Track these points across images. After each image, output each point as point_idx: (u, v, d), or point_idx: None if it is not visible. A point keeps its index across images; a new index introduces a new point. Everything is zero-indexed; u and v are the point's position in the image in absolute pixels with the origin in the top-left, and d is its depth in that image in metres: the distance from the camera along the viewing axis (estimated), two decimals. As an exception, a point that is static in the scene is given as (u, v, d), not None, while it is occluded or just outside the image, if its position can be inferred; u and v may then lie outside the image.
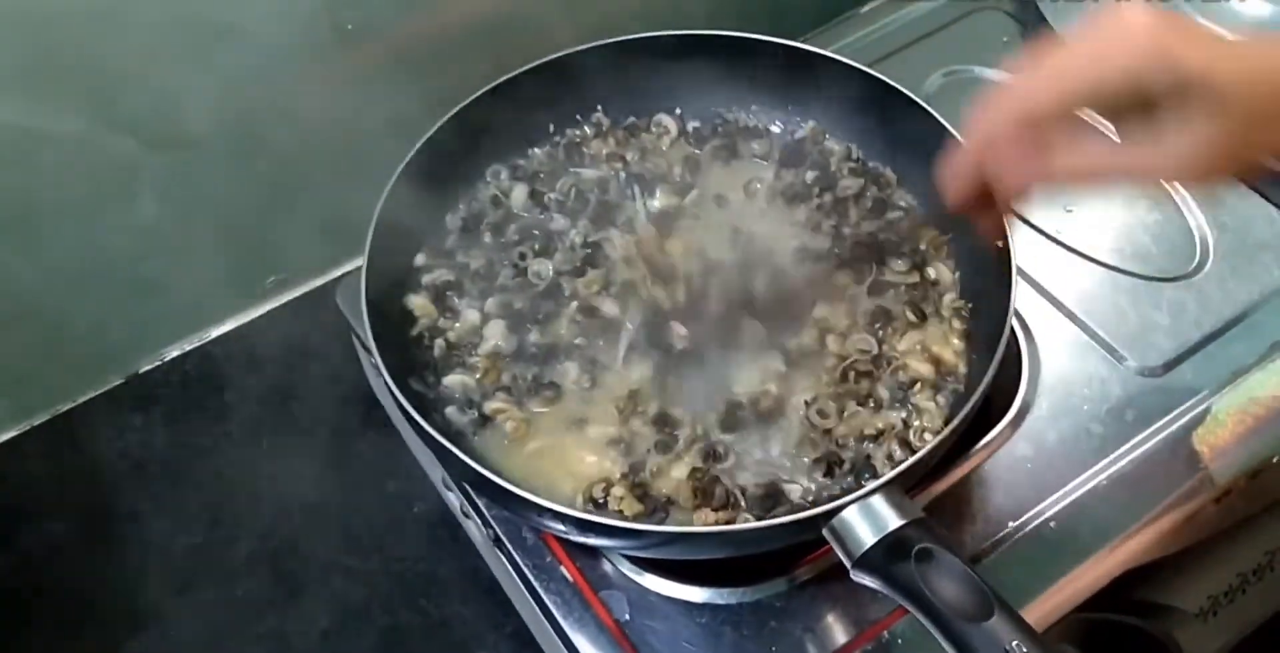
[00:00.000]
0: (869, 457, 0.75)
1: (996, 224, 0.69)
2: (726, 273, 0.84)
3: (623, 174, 0.91)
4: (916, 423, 0.76)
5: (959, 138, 0.79)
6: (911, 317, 0.81)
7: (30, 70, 0.82)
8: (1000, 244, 0.73)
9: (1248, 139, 0.53)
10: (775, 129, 0.95)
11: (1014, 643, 0.57)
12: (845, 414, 0.77)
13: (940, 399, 0.78)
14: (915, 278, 0.84)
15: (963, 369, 0.80)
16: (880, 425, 0.76)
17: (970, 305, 0.82)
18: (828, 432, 0.76)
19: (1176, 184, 0.80)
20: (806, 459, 0.75)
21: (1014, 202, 0.62)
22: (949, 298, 0.83)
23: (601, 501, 0.73)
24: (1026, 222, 0.95)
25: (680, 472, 0.75)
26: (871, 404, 0.77)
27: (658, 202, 0.90)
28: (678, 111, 0.95)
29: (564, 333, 0.82)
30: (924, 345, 0.80)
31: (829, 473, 0.74)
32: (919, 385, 0.78)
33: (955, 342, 0.81)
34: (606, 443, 0.77)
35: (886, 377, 0.79)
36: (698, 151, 0.93)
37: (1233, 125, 0.52)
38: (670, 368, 0.80)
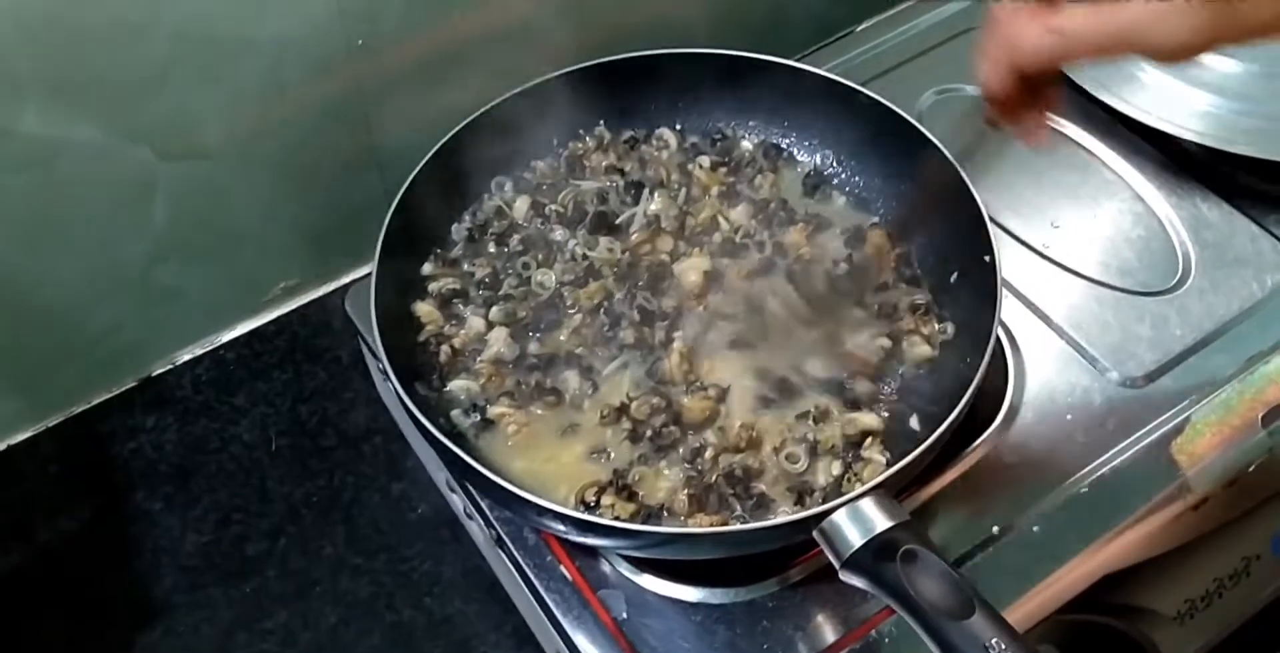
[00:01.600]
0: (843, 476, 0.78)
1: (1034, 120, 0.68)
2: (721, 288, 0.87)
3: (620, 185, 0.93)
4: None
5: (942, 148, 0.83)
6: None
7: (50, 82, 0.83)
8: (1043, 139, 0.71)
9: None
10: (768, 143, 0.98)
11: (993, 640, 0.59)
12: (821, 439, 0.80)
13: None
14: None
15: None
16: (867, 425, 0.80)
17: (951, 324, 0.85)
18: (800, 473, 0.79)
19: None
20: (782, 488, 0.78)
21: (1046, 84, 0.63)
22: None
23: (593, 504, 0.76)
24: (1014, 236, 0.98)
25: (664, 482, 0.78)
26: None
27: (654, 205, 0.92)
28: (678, 126, 0.98)
29: (564, 342, 0.85)
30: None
31: (799, 502, 0.77)
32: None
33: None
34: (592, 451, 0.80)
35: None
36: (692, 166, 0.96)
37: None
38: (659, 385, 0.83)
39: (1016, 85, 0.62)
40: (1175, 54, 0.56)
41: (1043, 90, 0.65)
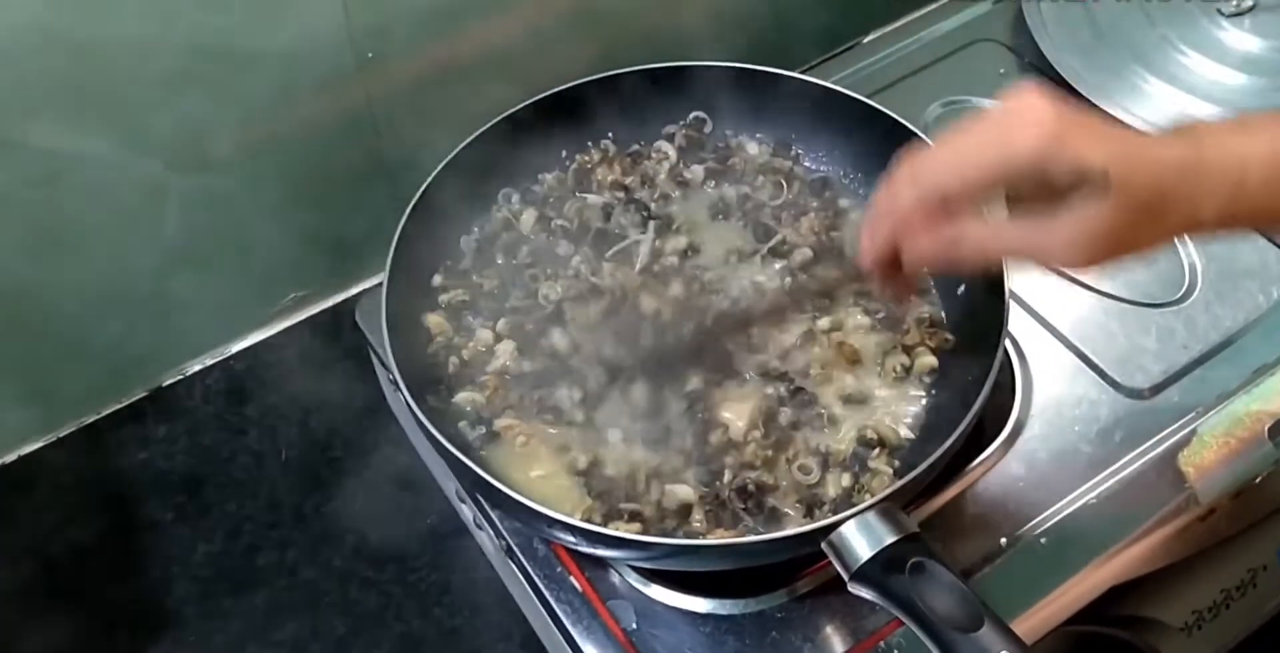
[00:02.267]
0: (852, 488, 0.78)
1: (902, 289, 0.73)
2: (719, 310, 0.87)
3: (621, 200, 0.94)
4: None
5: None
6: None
7: (62, 95, 0.84)
8: (908, 302, 0.77)
9: (1132, 228, 0.56)
10: (773, 156, 0.98)
11: (1002, 653, 0.60)
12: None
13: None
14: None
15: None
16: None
17: (957, 336, 0.85)
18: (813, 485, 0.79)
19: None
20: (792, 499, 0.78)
21: (918, 270, 0.66)
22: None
23: (599, 521, 0.76)
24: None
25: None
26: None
27: (660, 241, 0.92)
28: (683, 138, 0.98)
29: (565, 357, 0.84)
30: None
31: (808, 514, 0.77)
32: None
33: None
34: (578, 472, 0.79)
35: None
36: (687, 175, 0.96)
37: (1119, 215, 0.55)
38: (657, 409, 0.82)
39: (892, 263, 0.64)
40: (1072, 268, 0.58)
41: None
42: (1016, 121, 0.55)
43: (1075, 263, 0.58)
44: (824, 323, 0.86)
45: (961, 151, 0.57)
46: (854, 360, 0.84)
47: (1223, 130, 0.58)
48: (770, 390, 0.83)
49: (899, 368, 0.83)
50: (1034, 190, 0.57)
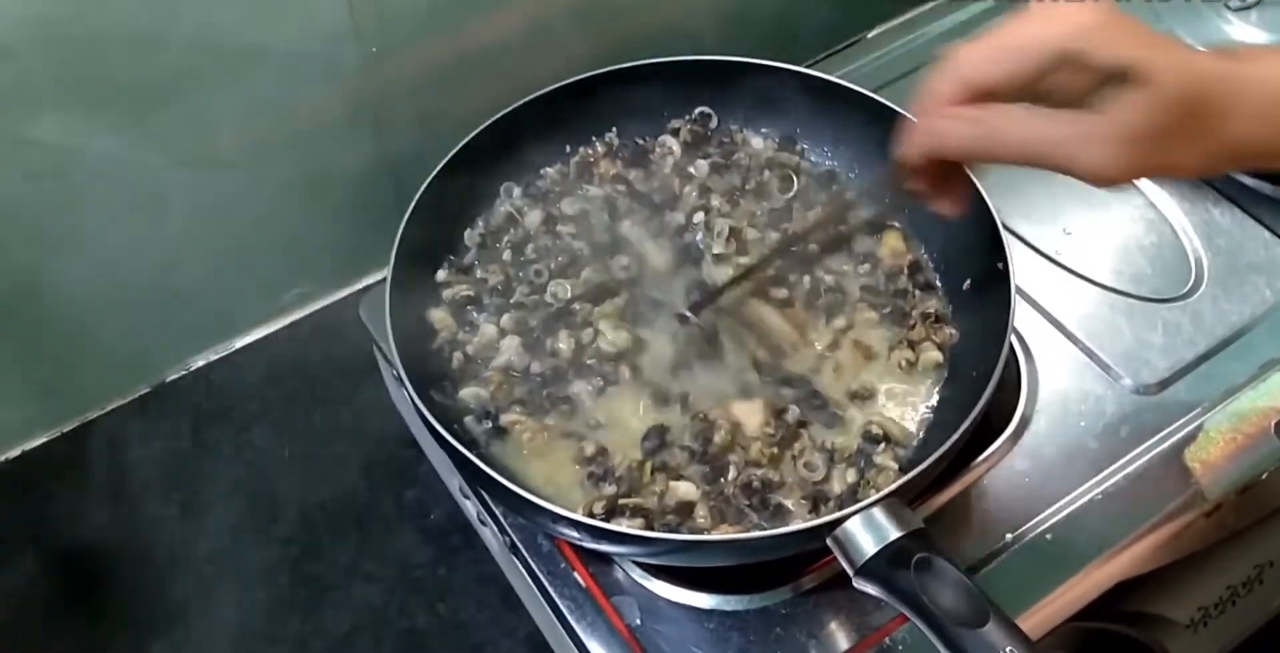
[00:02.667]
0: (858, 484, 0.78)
1: (949, 194, 0.69)
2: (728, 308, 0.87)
3: (624, 194, 0.94)
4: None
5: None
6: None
7: (67, 91, 0.84)
8: (962, 216, 0.71)
9: (1168, 132, 0.55)
10: (779, 150, 0.98)
11: (1008, 649, 0.59)
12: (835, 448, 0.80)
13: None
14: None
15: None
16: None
17: (962, 332, 0.85)
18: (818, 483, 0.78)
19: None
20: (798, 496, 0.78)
21: (961, 158, 0.63)
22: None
23: (603, 516, 0.75)
24: (1026, 243, 0.98)
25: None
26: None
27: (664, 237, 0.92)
28: (687, 132, 0.97)
29: (574, 353, 0.84)
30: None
31: (814, 509, 0.76)
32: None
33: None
34: (582, 468, 0.79)
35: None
36: (693, 171, 0.96)
37: (1157, 111, 0.54)
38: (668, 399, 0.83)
39: (935, 166, 0.63)
40: (1099, 181, 0.57)
41: (960, 170, 0.66)
42: (1058, 13, 0.55)
43: (1108, 168, 0.56)
44: (840, 322, 0.86)
45: (1002, 42, 0.57)
46: (869, 357, 0.84)
47: (1264, 53, 0.58)
48: (782, 390, 0.82)
49: (904, 363, 0.83)
50: (1075, 85, 0.55)
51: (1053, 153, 0.57)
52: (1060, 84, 0.56)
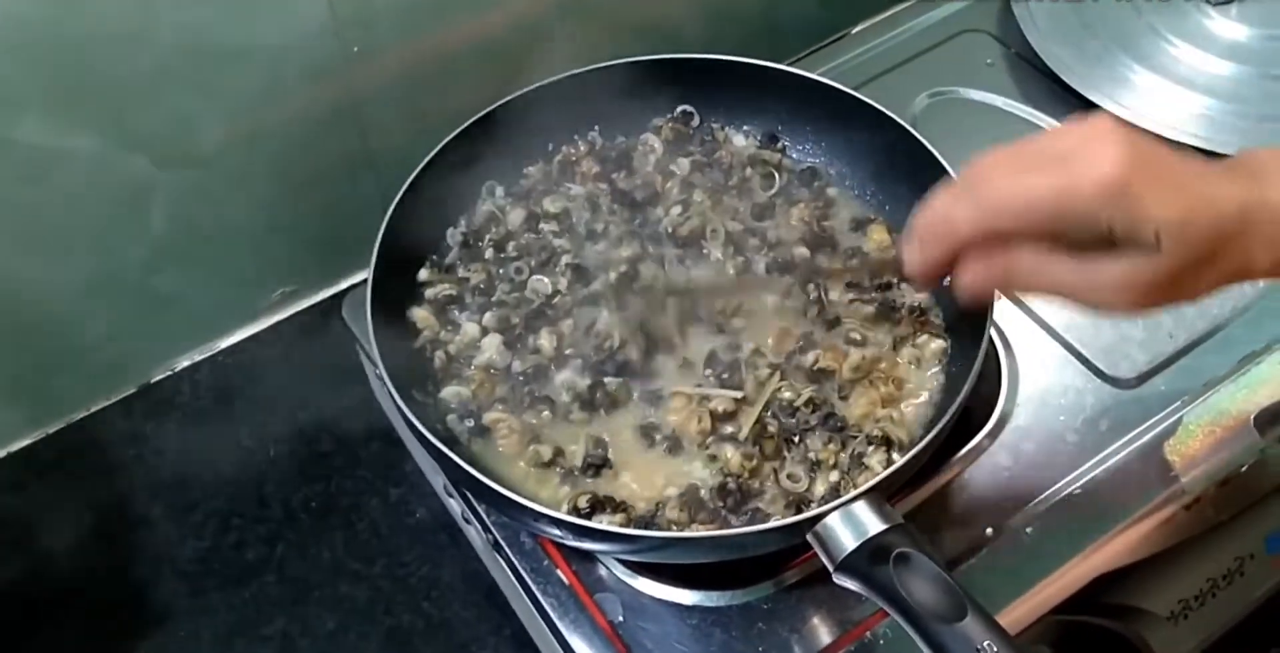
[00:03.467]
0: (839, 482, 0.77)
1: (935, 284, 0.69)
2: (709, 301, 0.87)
3: (608, 192, 0.94)
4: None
5: (935, 152, 0.83)
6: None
7: (49, 92, 0.84)
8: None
9: (1184, 277, 0.56)
10: (760, 148, 0.98)
11: (985, 643, 0.59)
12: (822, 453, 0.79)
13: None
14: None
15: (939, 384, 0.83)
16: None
17: (944, 325, 0.85)
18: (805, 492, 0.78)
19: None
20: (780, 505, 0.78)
21: (967, 294, 0.63)
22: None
23: (586, 511, 0.76)
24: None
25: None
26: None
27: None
28: (669, 131, 0.97)
29: (555, 350, 0.84)
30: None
31: (798, 510, 0.76)
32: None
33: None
34: (564, 466, 0.80)
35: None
36: (675, 169, 0.96)
37: (1173, 265, 0.54)
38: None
39: (936, 272, 0.63)
40: (1115, 315, 0.57)
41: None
42: (1084, 165, 0.54)
43: (1123, 309, 0.58)
44: (870, 353, 0.84)
45: (1024, 190, 0.55)
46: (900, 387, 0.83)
47: None
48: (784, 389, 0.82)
49: (915, 361, 0.84)
50: (1093, 231, 0.55)
51: (1069, 296, 0.59)
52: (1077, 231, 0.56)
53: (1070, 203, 0.54)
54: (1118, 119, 0.55)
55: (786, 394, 0.81)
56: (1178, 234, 0.53)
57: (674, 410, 0.81)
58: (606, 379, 0.82)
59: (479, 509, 0.85)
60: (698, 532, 0.74)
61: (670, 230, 0.91)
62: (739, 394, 0.81)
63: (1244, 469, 0.86)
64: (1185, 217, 0.53)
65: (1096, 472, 0.84)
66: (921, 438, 0.71)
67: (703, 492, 0.77)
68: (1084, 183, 0.53)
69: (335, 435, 1.06)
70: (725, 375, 0.82)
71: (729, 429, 0.80)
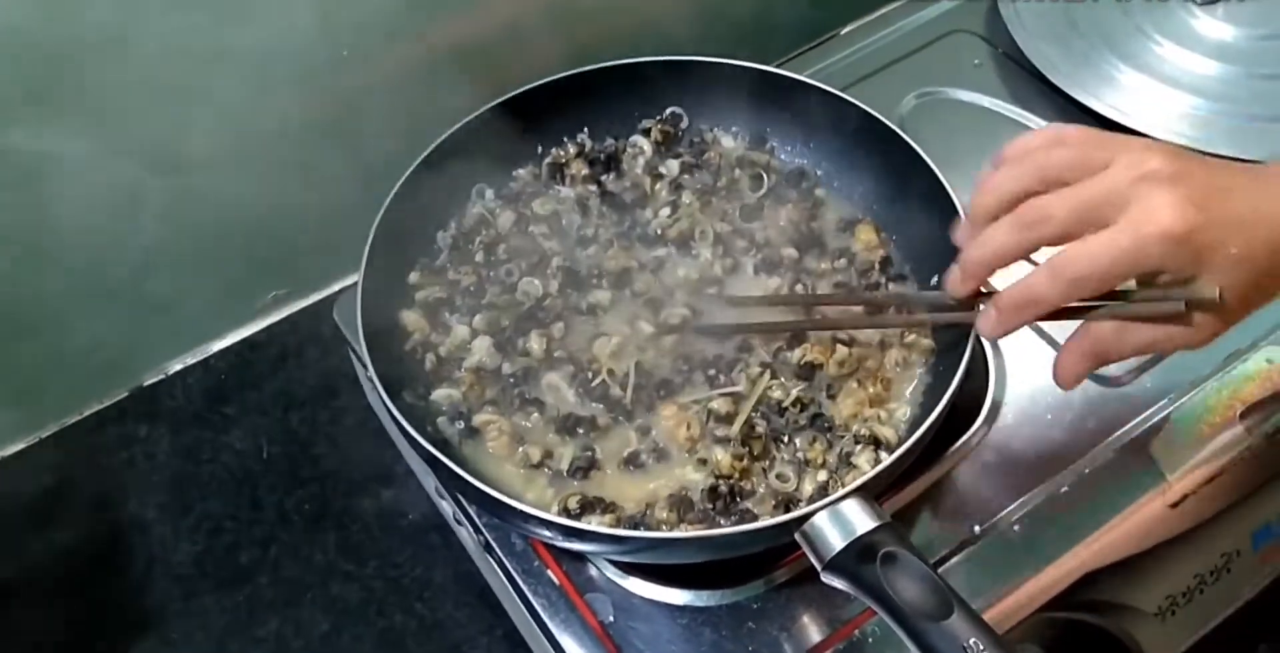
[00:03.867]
0: (828, 482, 0.78)
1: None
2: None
3: (597, 194, 0.94)
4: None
5: (921, 152, 0.84)
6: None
7: (39, 97, 0.84)
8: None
9: (1251, 297, 0.61)
10: (749, 149, 0.98)
11: (971, 641, 0.60)
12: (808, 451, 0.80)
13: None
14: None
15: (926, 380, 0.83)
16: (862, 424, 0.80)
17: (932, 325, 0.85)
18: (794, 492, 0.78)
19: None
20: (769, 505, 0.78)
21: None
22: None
23: (576, 512, 0.76)
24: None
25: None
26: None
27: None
28: (659, 132, 0.98)
29: (545, 352, 0.84)
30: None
31: (786, 510, 0.76)
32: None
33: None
34: (553, 468, 0.80)
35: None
36: (664, 171, 0.96)
37: (1237, 292, 0.59)
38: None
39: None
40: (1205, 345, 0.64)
41: None
42: (1143, 214, 0.58)
43: (1204, 342, 0.64)
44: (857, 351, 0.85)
45: (1098, 263, 0.59)
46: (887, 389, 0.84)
47: None
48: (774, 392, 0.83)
49: (900, 361, 0.84)
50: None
51: (1155, 351, 0.69)
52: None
53: (1139, 266, 0.59)
54: (1162, 151, 0.60)
55: (776, 394, 0.81)
56: (1240, 268, 0.58)
57: (665, 417, 0.81)
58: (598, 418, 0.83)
59: (470, 511, 0.86)
60: (687, 532, 0.74)
61: (659, 232, 0.92)
62: (736, 388, 0.81)
63: (1231, 466, 0.86)
64: (1244, 252, 0.58)
65: (1084, 470, 0.85)
66: (909, 437, 0.72)
67: (693, 494, 0.77)
68: (1149, 243, 0.57)
69: (328, 437, 1.06)
70: (719, 376, 0.83)
71: (719, 432, 0.80)
